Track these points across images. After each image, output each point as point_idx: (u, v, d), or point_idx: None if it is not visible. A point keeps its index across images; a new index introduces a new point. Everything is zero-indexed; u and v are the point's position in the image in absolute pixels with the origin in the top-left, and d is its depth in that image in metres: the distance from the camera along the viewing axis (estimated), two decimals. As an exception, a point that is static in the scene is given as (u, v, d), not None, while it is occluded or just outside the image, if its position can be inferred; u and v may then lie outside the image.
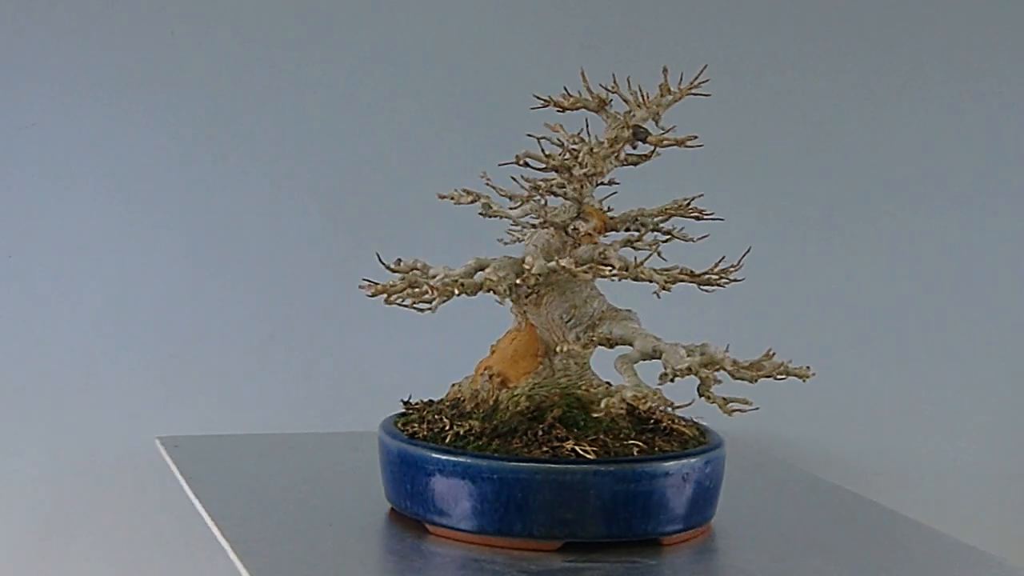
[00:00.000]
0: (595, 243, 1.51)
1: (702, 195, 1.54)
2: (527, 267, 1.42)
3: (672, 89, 1.50)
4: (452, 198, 1.52)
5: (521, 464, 1.37)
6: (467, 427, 1.45)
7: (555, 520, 1.36)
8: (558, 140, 1.52)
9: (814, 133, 2.24)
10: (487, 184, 1.54)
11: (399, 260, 1.48)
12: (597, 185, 1.54)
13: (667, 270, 1.49)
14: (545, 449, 1.39)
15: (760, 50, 2.23)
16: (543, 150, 1.50)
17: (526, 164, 1.47)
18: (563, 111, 1.54)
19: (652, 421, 1.44)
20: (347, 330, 2.24)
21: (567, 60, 2.17)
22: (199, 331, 2.22)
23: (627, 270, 1.45)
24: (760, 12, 2.22)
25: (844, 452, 2.22)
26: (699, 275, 1.48)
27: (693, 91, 1.50)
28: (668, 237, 1.54)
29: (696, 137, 1.48)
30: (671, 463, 1.37)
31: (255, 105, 2.21)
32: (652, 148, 1.51)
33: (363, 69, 2.22)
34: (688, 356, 1.34)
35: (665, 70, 1.51)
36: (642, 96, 1.52)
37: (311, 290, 2.23)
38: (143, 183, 2.21)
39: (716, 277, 1.48)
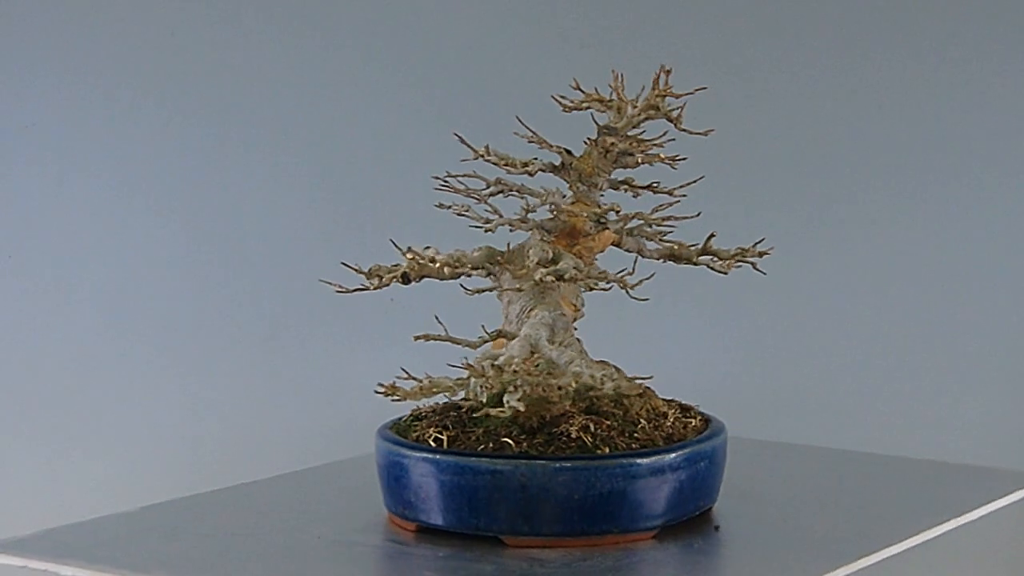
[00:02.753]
0: (575, 243, 1.50)
1: (678, 201, 1.53)
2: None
3: (673, 91, 1.49)
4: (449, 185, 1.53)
5: (383, 442, 1.44)
6: (432, 409, 1.51)
7: (404, 502, 1.43)
8: (535, 139, 1.52)
9: (813, 132, 2.24)
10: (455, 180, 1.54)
11: (427, 247, 1.50)
12: (597, 187, 1.53)
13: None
14: (417, 435, 1.44)
15: (760, 48, 2.23)
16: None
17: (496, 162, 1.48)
18: (569, 111, 1.53)
19: (558, 427, 1.44)
20: (348, 329, 2.24)
21: (567, 60, 2.17)
22: (199, 330, 2.23)
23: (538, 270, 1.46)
24: (761, 10, 2.23)
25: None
26: (581, 277, 1.48)
27: (663, 94, 1.49)
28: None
29: (658, 139, 1.48)
30: (498, 463, 1.39)
31: (255, 105, 2.21)
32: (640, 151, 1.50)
33: (364, 69, 2.22)
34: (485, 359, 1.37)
35: (667, 71, 1.50)
36: (619, 97, 1.51)
37: (312, 289, 2.23)
38: (143, 183, 2.21)
39: (593, 282, 1.49)
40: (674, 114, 1.50)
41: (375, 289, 1.48)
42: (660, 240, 1.54)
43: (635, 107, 1.49)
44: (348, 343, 2.25)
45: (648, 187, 1.54)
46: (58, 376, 2.21)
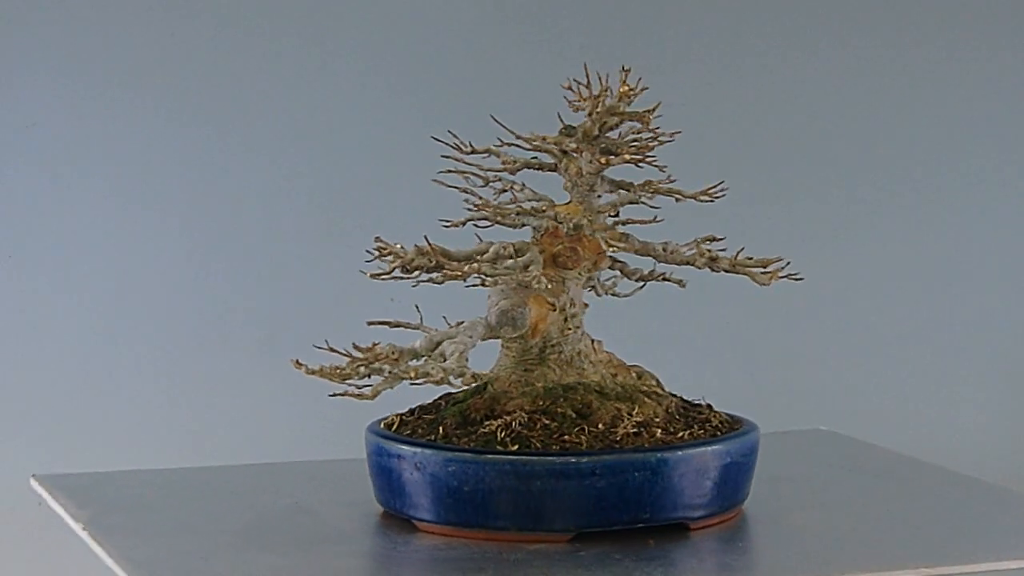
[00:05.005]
0: (557, 242, 1.51)
1: (639, 203, 1.52)
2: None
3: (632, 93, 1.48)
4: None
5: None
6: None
7: (376, 487, 1.47)
8: (531, 136, 1.52)
9: (811, 131, 2.25)
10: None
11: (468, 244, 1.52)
12: (591, 188, 1.53)
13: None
14: (386, 421, 1.50)
15: (760, 48, 2.23)
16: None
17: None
18: (577, 111, 1.53)
19: (486, 422, 1.45)
20: (348, 329, 2.23)
21: (567, 60, 2.17)
22: (198, 330, 2.23)
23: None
24: (760, 10, 2.23)
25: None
26: (464, 270, 1.49)
27: (606, 95, 1.48)
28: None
29: (630, 139, 1.48)
30: (403, 448, 1.43)
31: (255, 105, 2.21)
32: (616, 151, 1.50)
33: (364, 69, 2.22)
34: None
35: (625, 70, 1.49)
36: (582, 95, 1.51)
37: (311, 289, 2.24)
38: (143, 183, 2.21)
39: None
40: (648, 116, 1.49)
41: (373, 276, 1.50)
42: (656, 246, 1.54)
43: (592, 108, 1.49)
44: (348, 343, 2.25)
45: (646, 187, 1.53)
46: (57, 375, 2.21)
